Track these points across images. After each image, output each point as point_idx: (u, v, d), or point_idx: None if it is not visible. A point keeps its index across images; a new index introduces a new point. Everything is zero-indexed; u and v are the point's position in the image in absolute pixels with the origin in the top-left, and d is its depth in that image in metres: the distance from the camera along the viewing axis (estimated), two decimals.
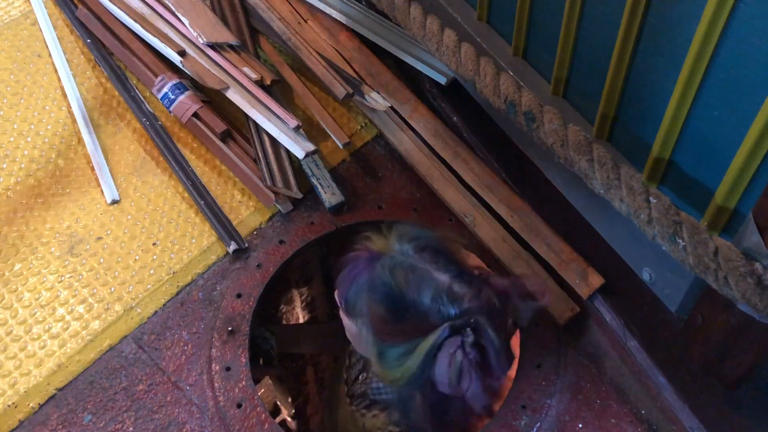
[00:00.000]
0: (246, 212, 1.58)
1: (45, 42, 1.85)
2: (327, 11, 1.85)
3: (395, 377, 1.04)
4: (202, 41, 1.69)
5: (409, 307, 1.02)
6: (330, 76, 1.70)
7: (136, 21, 1.72)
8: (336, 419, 1.48)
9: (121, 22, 1.78)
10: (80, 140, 1.69)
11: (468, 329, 0.99)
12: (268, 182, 1.54)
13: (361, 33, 1.81)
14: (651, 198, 1.01)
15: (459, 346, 0.98)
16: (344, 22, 1.83)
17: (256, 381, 1.37)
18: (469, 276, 1.04)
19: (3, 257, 1.49)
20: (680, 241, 0.97)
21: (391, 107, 1.72)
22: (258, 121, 1.60)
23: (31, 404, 1.31)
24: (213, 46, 1.70)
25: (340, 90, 1.67)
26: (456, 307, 1.00)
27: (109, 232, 1.54)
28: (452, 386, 0.99)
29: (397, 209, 1.60)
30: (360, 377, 1.38)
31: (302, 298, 2.22)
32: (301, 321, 2.26)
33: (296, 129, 1.58)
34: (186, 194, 1.59)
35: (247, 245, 1.51)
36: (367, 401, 1.34)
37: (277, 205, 1.57)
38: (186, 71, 1.66)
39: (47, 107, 1.74)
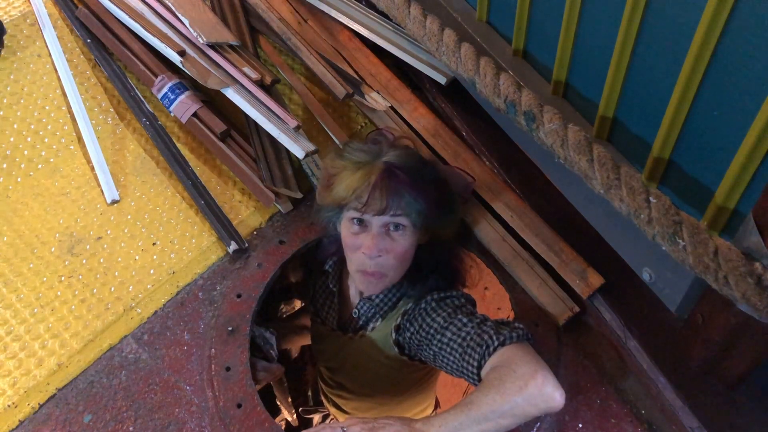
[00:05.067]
0: (246, 212, 1.58)
1: (45, 42, 1.85)
2: (327, 11, 1.85)
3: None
4: (202, 41, 1.69)
5: None
6: (330, 76, 1.70)
7: (136, 21, 1.72)
8: (326, 349, 1.65)
9: (121, 22, 1.78)
10: (80, 140, 1.68)
11: None
12: (268, 182, 1.54)
13: (361, 33, 1.81)
14: (651, 198, 1.01)
15: None
16: (344, 22, 1.83)
17: (256, 381, 1.37)
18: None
19: (3, 257, 1.49)
20: (680, 241, 0.97)
21: (391, 107, 1.72)
22: (258, 121, 1.60)
23: (31, 404, 1.31)
24: (213, 46, 1.70)
25: (340, 90, 1.67)
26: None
27: (109, 232, 1.54)
28: None
29: None
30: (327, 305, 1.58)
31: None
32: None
33: (296, 129, 1.58)
34: (186, 194, 1.59)
35: (247, 245, 1.51)
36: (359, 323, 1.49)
37: (277, 205, 1.57)
38: (186, 71, 1.66)
39: (47, 107, 1.74)
